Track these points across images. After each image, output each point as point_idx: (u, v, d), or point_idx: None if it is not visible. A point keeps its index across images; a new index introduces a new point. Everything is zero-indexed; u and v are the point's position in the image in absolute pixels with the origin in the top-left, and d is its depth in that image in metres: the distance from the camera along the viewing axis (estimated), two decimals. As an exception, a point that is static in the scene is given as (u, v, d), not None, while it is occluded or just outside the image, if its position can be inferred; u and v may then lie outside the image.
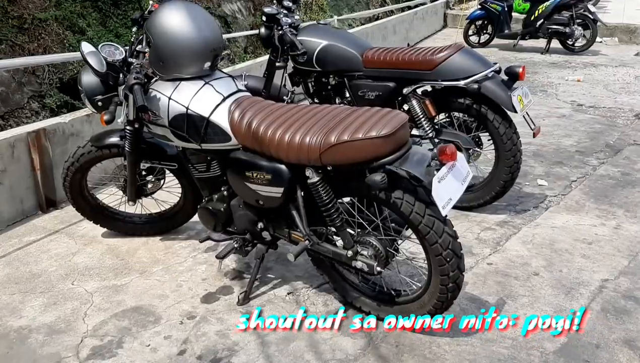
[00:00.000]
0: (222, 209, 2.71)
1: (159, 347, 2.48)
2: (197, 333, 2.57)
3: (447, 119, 3.68)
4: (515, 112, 3.26)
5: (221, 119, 2.49)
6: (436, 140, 3.43)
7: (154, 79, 2.67)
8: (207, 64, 2.58)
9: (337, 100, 3.89)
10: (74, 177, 3.15)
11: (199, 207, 2.80)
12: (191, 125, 2.52)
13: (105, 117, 2.64)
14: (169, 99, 2.54)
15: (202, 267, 3.09)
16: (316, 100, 4.01)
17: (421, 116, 3.51)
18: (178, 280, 2.98)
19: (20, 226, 3.66)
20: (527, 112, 3.45)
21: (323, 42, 3.75)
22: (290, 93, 4.06)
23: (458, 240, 2.27)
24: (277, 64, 3.91)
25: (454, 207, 3.60)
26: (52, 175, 3.85)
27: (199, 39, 2.51)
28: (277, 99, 4.09)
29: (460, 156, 2.21)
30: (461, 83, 3.33)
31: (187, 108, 2.51)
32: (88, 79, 2.75)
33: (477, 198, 3.61)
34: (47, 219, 3.75)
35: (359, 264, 2.40)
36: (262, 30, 3.87)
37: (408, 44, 10.64)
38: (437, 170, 2.10)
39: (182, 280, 2.98)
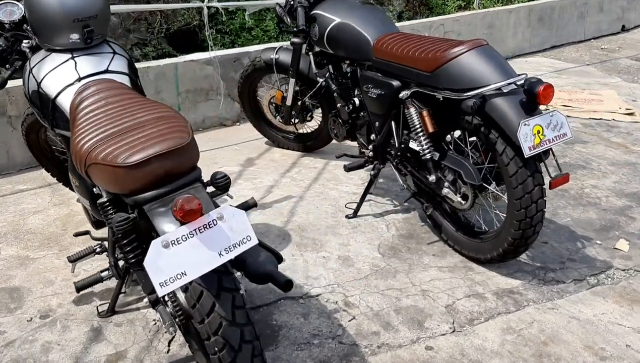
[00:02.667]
0: None
1: (-18, 341, 2.27)
2: (28, 338, 2.28)
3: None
4: (519, 146, 2.26)
5: (66, 102, 2.09)
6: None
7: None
8: (75, 36, 2.17)
9: (355, 92, 3.17)
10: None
11: None
12: (43, 104, 2.18)
13: None
14: (30, 71, 2.22)
15: (118, 258, 2.79)
16: (339, 89, 3.32)
17: (419, 130, 2.66)
18: (82, 268, 2.72)
19: (32, 171, 3.75)
20: (552, 152, 2.39)
21: (336, 19, 3.04)
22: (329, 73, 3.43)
23: (240, 327, 1.59)
24: (292, 40, 3.31)
25: (461, 253, 2.78)
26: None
27: (56, 6, 2.12)
28: (309, 79, 3.52)
29: (231, 214, 1.50)
30: (462, 95, 2.41)
31: (39, 84, 2.16)
32: None
33: (483, 252, 2.67)
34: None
35: (157, 316, 1.86)
36: None
37: (623, 27, 8.74)
38: (180, 228, 1.45)
39: (86, 268, 2.71)
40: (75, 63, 2.16)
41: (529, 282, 2.64)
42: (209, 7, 4.10)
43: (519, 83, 2.38)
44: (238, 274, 1.98)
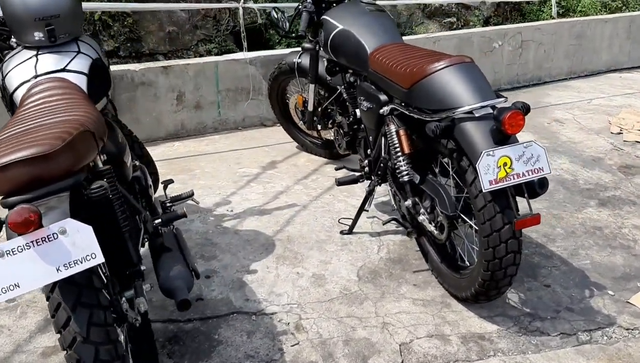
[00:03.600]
0: None
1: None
2: (-14, 319, 2.41)
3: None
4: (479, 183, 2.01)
5: (19, 98, 2.15)
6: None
7: None
8: (39, 34, 2.22)
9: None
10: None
11: None
12: (5, 98, 2.27)
13: None
14: (1, 66, 2.31)
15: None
16: (349, 98, 3.17)
17: (397, 149, 2.46)
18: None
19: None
20: (524, 187, 2.09)
21: (339, 26, 2.89)
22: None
23: (95, 345, 1.53)
24: (303, 45, 3.21)
25: (443, 286, 2.56)
26: (110, 118, 4.00)
27: (19, 5, 2.18)
28: (329, 85, 3.41)
29: (76, 229, 1.43)
30: (432, 116, 2.19)
31: (4, 78, 2.25)
32: None
33: (459, 288, 2.42)
34: (91, 158, 3.94)
35: None
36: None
37: None
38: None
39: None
40: (37, 60, 2.22)
41: (507, 329, 2.36)
42: (245, 8, 4.09)
43: (499, 106, 2.12)
44: (147, 286, 1.95)
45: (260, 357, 2.21)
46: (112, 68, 4.09)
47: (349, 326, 2.37)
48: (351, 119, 3.01)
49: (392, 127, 2.46)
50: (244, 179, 3.68)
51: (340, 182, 2.92)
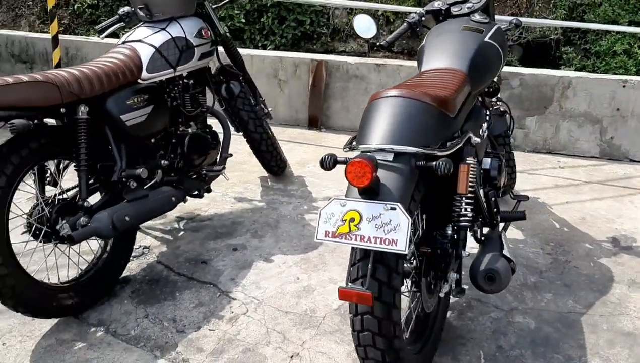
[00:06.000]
0: None
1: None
2: None
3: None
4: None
5: None
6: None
7: None
8: (140, 12, 2.80)
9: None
10: None
11: None
12: None
13: None
14: None
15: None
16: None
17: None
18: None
19: (288, 128, 4.57)
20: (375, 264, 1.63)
21: (423, 42, 2.59)
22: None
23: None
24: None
25: None
26: (321, 100, 4.42)
27: None
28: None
29: None
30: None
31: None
32: None
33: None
34: (301, 133, 4.47)
35: None
36: None
37: None
38: None
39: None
40: (134, 31, 2.83)
41: None
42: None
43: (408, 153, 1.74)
44: (83, 219, 2.36)
45: (179, 324, 2.40)
46: (332, 58, 4.47)
47: (266, 340, 2.32)
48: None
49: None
50: (380, 185, 3.63)
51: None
